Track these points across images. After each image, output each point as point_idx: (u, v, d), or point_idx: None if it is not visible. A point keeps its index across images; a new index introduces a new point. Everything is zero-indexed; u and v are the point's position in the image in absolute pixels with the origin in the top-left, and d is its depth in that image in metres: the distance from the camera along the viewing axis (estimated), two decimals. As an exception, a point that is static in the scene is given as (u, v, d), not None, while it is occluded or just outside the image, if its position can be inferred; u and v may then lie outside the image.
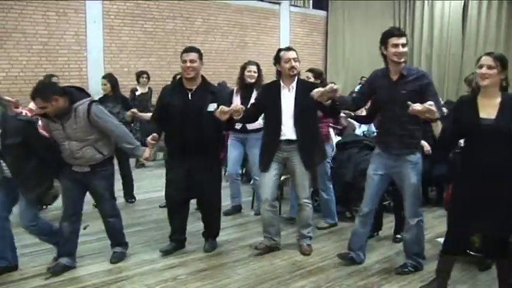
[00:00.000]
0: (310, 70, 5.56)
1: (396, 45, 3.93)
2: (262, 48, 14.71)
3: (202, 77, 4.54)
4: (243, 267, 4.40)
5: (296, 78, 4.50)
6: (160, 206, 6.13)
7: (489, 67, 3.36)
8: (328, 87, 4.01)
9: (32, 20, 10.48)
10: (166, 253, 4.61)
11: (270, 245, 4.72)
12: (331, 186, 5.48)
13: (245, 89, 5.62)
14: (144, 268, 4.35)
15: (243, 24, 14.35)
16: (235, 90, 5.81)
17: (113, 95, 6.38)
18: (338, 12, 16.94)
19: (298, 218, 4.81)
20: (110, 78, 6.54)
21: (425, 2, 16.67)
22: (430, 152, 6.05)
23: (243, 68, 5.73)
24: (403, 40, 3.95)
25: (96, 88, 8.09)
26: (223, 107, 4.18)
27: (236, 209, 6.07)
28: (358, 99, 4.38)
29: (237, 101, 5.33)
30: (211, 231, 4.85)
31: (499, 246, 3.50)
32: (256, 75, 5.60)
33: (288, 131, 4.44)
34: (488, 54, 3.43)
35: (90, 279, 4.11)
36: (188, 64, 4.38)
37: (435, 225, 5.26)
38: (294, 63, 4.41)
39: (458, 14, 15.88)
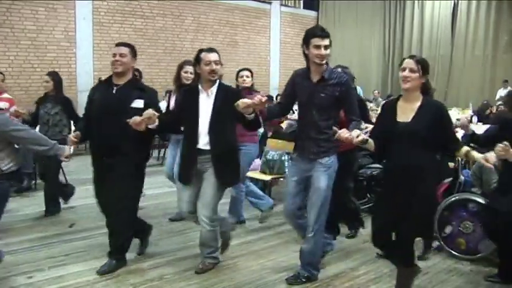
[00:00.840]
0: (247, 69, 5.42)
1: (318, 47, 3.71)
2: (252, 47, 14.73)
3: (134, 74, 4.33)
4: (230, 267, 4.38)
5: (217, 82, 4.08)
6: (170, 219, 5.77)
7: (411, 70, 3.37)
8: (256, 99, 3.67)
9: (21, 15, 10.43)
10: (101, 274, 4.16)
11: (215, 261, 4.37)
12: (242, 185, 5.35)
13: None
14: (130, 267, 4.30)
15: (233, 23, 14.35)
16: (172, 91, 5.57)
17: (55, 95, 5.91)
18: (329, 13, 16.99)
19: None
20: (54, 76, 6.02)
21: (416, 2, 16.76)
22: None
23: (180, 68, 5.39)
24: (326, 42, 3.73)
25: (85, 85, 8.04)
26: (135, 118, 3.80)
27: (179, 215, 5.49)
28: (285, 105, 4.18)
29: (172, 102, 5.17)
30: (113, 245, 4.26)
31: (402, 253, 3.59)
32: (192, 76, 5.11)
33: (204, 140, 4.01)
34: (411, 57, 3.47)
35: (75, 278, 4.07)
36: (117, 58, 4.10)
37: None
38: (214, 67, 3.96)
39: (448, 15, 16.00)
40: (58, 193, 6.04)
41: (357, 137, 3.38)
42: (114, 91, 4.14)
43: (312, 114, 3.83)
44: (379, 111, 3.97)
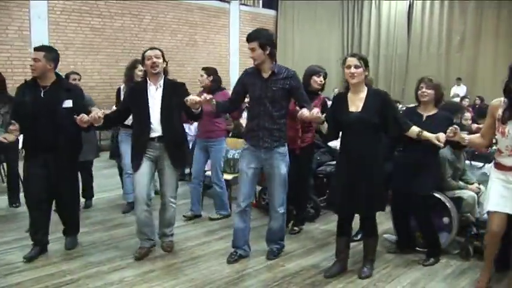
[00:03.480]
0: (204, 68, 5.67)
1: (252, 49, 4.18)
2: (211, 46, 14.70)
3: (56, 74, 4.47)
4: (191, 268, 4.36)
5: (163, 77, 4.47)
6: (123, 212, 5.96)
7: (356, 66, 3.89)
8: (202, 97, 4.14)
9: (-28, 14, 10.13)
10: (29, 260, 4.40)
11: (149, 246, 4.66)
12: (223, 180, 5.76)
13: None
14: (90, 271, 4.24)
15: (192, 23, 14.27)
16: (121, 88, 5.82)
17: (0, 95, 5.88)
18: (287, 12, 17.08)
19: (161, 217, 4.73)
20: None
21: (373, 2, 17.02)
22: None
23: (133, 67, 5.66)
24: (250, 45, 4.18)
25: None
26: (83, 116, 4.15)
27: (131, 206, 5.63)
28: (233, 100, 4.55)
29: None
30: (70, 229, 4.78)
31: (366, 225, 4.18)
32: (203, 78, 5.59)
33: (156, 129, 4.39)
34: (353, 55, 3.97)
35: (33, 284, 3.97)
36: (32, 62, 4.33)
37: (382, 221, 5.34)
38: (155, 60, 4.34)
39: (404, 15, 16.33)
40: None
41: (317, 113, 3.92)
42: (42, 94, 4.35)
43: (266, 106, 4.23)
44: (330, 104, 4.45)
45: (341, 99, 4.07)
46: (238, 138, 6.20)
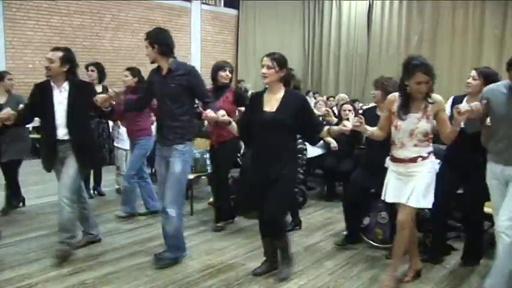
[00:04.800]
0: (129, 69, 5.79)
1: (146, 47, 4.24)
2: (173, 45, 14.60)
3: None
4: (152, 268, 4.34)
5: (67, 78, 4.41)
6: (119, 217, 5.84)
7: (268, 67, 3.85)
8: (111, 92, 4.27)
9: None
10: None
11: (89, 239, 4.82)
12: (146, 174, 6.00)
13: None
14: (49, 274, 4.18)
15: (154, 22, 14.11)
16: None
17: None
18: (249, 11, 17.10)
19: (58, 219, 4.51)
20: None
21: (333, 2, 17.19)
22: (337, 148, 6.40)
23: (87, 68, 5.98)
24: (145, 43, 4.26)
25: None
26: None
27: None
28: (142, 98, 4.62)
29: None
30: None
31: (272, 226, 4.04)
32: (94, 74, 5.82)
33: (62, 131, 4.35)
34: (268, 55, 3.91)
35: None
36: None
37: (341, 219, 5.43)
38: (47, 64, 4.34)
39: (364, 15, 16.55)
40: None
41: (222, 116, 4.06)
42: None
43: (166, 103, 4.25)
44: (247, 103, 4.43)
45: (257, 98, 4.06)
46: (202, 138, 6.19)
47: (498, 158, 3.67)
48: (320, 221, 5.87)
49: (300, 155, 5.18)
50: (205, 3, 15.84)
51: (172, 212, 4.25)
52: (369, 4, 16.42)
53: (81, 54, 12.10)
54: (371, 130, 3.95)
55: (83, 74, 5.49)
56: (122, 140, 6.91)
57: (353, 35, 16.84)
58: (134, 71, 5.74)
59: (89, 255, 4.59)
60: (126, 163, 6.90)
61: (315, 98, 11.88)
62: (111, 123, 7.00)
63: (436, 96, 3.74)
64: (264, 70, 3.85)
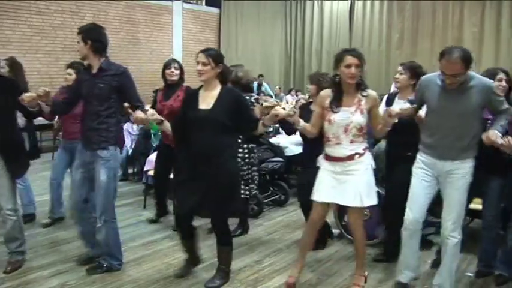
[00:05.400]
0: (71, 65, 5.35)
1: (77, 42, 4.04)
2: (155, 45, 14.58)
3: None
4: (134, 268, 4.33)
5: None
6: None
7: (203, 64, 3.71)
8: (40, 91, 3.84)
9: None
10: None
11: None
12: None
13: None
14: (30, 276, 4.14)
15: (135, 21, 14.10)
16: None
17: None
18: (231, 10, 17.11)
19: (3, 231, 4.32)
20: None
21: (315, 2, 17.30)
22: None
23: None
24: (76, 39, 4.05)
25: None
26: None
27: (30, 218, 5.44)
28: (68, 100, 4.30)
29: None
30: None
31: (216, 232, 3.98)
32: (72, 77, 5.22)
33: None
34: (203, 52, 3.76)
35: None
36: None
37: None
38: None
39: (346, 14, 16.68)
40: None
41: (152, 115, 3.85)
42: None
43: (92, 104, 3.99)
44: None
45: (193, 95, 3.91)
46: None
47: (432, 152, 3.64)
48: (302, 219, 5.82)
49: (252, 154, 5.13)
50: (187, 2, 15.81)
51: (101, 220, 4.06)
52: (350, 3, 16.55)
53: (62, 54, 12.08)
54: (303, 124, 3.85)
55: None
56: None
57: (335, 33, 16.99)
58: (79, 68, 5.18)
59: (69, 257, 4.55)
60: None
61: (297, 96, 11.93)
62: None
63: (370, 91, 3.75)
64: (200, 67, 3.72)
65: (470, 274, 4.30)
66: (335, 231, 5.13)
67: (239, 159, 4.91)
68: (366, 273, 4.03)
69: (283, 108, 3.71)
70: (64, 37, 12.23)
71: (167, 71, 5.19)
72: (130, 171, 7.79)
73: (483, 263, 4.27)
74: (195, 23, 16.12)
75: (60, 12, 12.21)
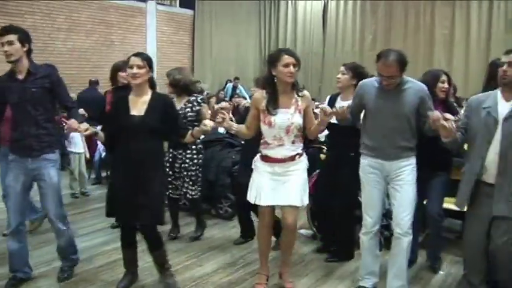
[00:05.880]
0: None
1: (8, 43, 3.76)
2: (129, 47, 14.44)
3: None
4: (108, 272, 4.32)
5: None
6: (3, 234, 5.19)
7: (138, 67, 3.63)
8: None
9: None
10: None
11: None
12: None
13: None
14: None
15: (108, 22, 13.98)
16: None
17: None
18: (205, 12, 17.07)
19: None
20: None
21: (289, 2, 17.40)
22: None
23: None
24: (8, 38, 3.75)
25: None
26: None
27: None
28: None
29: None
30: None
31: (147, 237, 3.86)
32: None
33: None
34: (137, 55, 3.69)
35: None
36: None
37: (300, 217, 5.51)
38: None
39: (319, 15, 16.81)
40: None
41: (85, 130, 3.75)
42: None
43: (27, 110, 3.81)
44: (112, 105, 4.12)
45: (123, 101, 3.77)
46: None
47: (377, 154, 3.70)
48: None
49: (199, 155, 5.12)
50: (160, 4, 15.73)
51: (62, 225, 4.02)
52: (324, 4, 16.68)
53: (34, 56, 11.87)
54: (237, 127, 3.88)
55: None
56: (75, 144, 6.86)
57: (309, 34, 17.12)
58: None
59: (41, 262, 4.51)
60: (80, 166, 6.88)
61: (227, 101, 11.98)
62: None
63: (305, 91, 3.83)
64: (135, 70, 3.60)
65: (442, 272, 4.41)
66: (309, 232, 5.18)
67: (187, 160, 4.98)
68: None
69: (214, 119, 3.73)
70: (36, 39, 11.74)
71: (122, 74, 5.09)
72: (103, 174, 7.74)
73: (430, 256, 4.51)
74: (169, 25, 16.05)
75: (30, 13, 12.05)
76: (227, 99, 12.44)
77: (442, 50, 14.53)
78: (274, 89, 3.73)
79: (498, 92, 3.34)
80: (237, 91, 15.38)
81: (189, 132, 3.86)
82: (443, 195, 4.32)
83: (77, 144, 6.79)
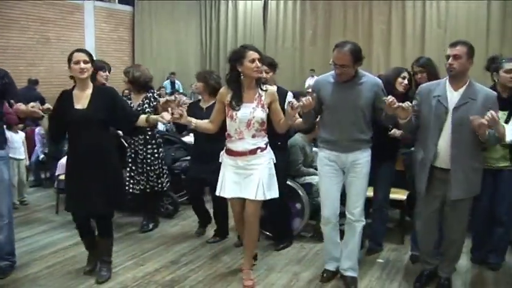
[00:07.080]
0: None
1: None
2: (66, 44, 14.04)
3: None
4: (46, 278, 4.18)
5: None
6: None
7: (85, 62, 3.75)
8: None
9: None
10: None
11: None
12: None
13: None
14: None
15: (44, 19, 13.54)
16: None
17: None
18: (144, 9, 16.84)
19: None
20: None
21: (229, 2, 17.45)
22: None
23: None
24: None
25: None
26: None
27: None
28: None
29: None
30: None
31: (100, 225, 4.05)
32: None
33: None
34: (81, 51, 3.83)
35: None
36: None
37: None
38: None
39: (259, 13, 16.95)
40: None
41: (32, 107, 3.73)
42: None
43: None
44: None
45: (67, 96, 3.88)
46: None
47: (334, 147, 3.83)
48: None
49: (160, 149, 5.22)
50: (98, 0, 15.38)
51: (6, 219, 4.06)
52: (264, 2, 16.85)
53: (-36, 55, 11.46)
54: (196, 122, 3.92)
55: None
56: (14, 149, 6.19)
57: (249, 32, 17.26)
58: None
59: (20, 266, 4.37)
60: (20, 174, 6.42)
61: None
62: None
63: (269, 86, 3.93)
64: (83, 65, 3.73)
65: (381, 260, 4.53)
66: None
67: (149, 155, 5.12)
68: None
69: (172, 114, 3.76)
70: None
71: (102, 73, 5.11)
72: (43, 176, 7.54)
73: (373, 241, 4.69)
74: (107, 22, 15.73)
75: (-41, 10, 11.57)
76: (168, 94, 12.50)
77: (381, 45, 15.05)
78: (239, 85, 3.80)
79: (447, 82, 3.59)
80: (176, 86, 15.32)
81: (143, 116, 3.96)
82: (390, 185, 4.54)
83: (17, 149, 6.28)
